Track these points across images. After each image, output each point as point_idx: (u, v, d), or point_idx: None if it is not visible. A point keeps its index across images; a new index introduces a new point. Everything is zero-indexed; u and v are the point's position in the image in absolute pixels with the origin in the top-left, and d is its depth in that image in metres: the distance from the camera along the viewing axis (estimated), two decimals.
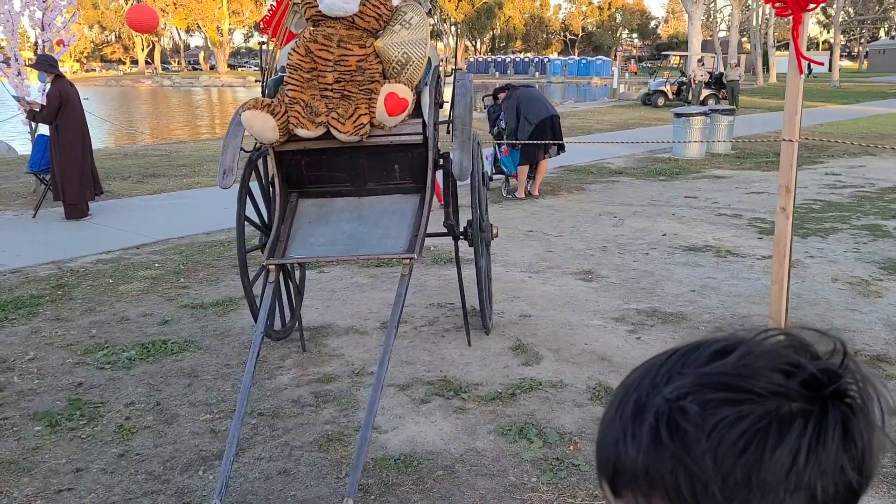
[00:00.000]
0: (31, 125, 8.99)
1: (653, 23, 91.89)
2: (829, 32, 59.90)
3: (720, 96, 22.74)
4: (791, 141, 3.86)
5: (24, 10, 9.17)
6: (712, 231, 7.12)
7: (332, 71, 3.56)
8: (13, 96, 8.84)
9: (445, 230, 4.21)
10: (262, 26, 5.46)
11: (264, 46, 4.22)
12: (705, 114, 12.39)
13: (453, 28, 67.38)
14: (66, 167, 7.70)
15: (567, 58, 70.36)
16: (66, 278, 5.78)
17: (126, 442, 3.34)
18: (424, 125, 3.73)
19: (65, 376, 4.02)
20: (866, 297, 5.17)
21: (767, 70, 40.18)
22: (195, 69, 77.83)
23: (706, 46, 38.38)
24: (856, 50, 74.68)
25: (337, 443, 3.30)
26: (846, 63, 67.22)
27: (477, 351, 4.29)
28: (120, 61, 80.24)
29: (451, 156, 3.76)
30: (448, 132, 4.00)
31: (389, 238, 3.66)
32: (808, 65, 3.96)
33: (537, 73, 62.80)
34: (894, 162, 11.74)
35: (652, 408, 0.54)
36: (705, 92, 22.77)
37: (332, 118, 3.53)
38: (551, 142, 8.60)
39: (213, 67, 71.11)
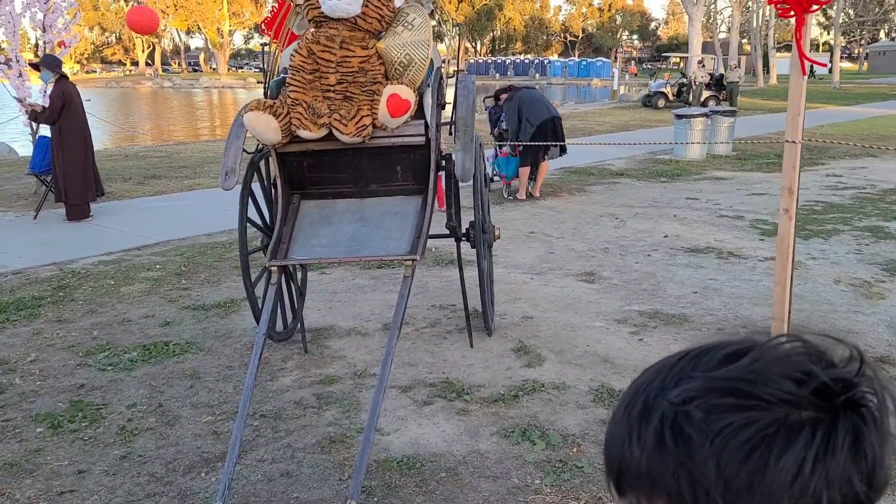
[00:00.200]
0: (32, 127, 8.99)
1: (653, 24, 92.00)
2: (829, 34, 59.91)
3: (720, 98, 22.74)
4: (794, 142, 3.86)
5: (25, 11, 9.17)
6: (714, 232, 7.12)
7: (335, 72, 3.55)
8: (15, 97, 8.84)
9: (447, 231, 4.21)
10: (263, 28, 5.45)
11: (266, 48, 4.22)
12: (706, 115, 12.38)
13: (455, 29, 67.40)
14: (69, 168, 7.71)
15: (567, 59, 70.42)
16: (67, 280, 5.78)
17: (128, 444, 3.33)
18: (427, 126, 3.73)
19: (66, 378, 4.02)
20: (869, 298, 5.16)
21: (768, 71, 40.20)
22: (195, 71, 77.88)
23: (706, 48, 38.43)
24: (856, 51, 74.72)
25: (339, 445, 3.29)
26: (846, 65, 67.26)
27: (479, 353, 4.28)
28: (120, 63, 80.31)
29: (454, 157, 3.76)
30: (450, 133, 4.00)
31: (392, 239, 3.66)
32: (811, 66, 3.95)
33: (537, 75, 62.83)
34: (895, 163, 11.73)
35: (658, 410, 0.54)
36: (706, 93, 22.78)
37: (335, 119, 3.52)
38: (552, 143, 8.60)
39: (214, 69, 71.14)
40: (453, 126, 3.93)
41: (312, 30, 3.68)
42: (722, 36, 43.50)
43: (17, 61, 9.09)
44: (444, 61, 4.27)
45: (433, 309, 5.05)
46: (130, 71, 74.59)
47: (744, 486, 0.51)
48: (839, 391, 0.52)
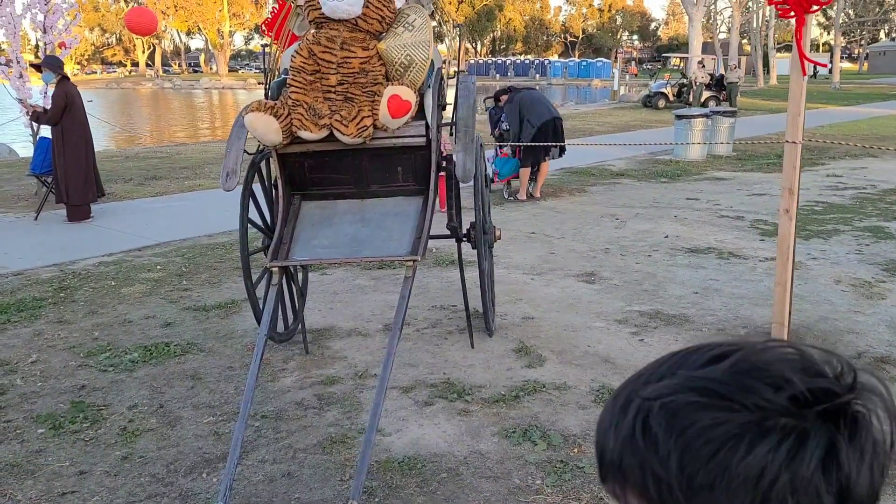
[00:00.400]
0: (32, 128, 9.00)
1: (653, 25, 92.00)
2: (829, 34, 59.92)
3: (721, 98, 22.75)
4: (794, 143, 3.86)
5: (25, 12, 9.18)
6: (714, 233, 7.12)
7: (336, 73, 3.56)
8: (16, 99, 8.85)
9: (448, 232, 4.21)
10: (264, 29, 5.45)
11: (267, 49, 4.22)
12: (706, 115, 12.39)
13: (455, 30, 67.45)
14: (70, 169, 7.72)
15: (567, 60, 70.43)
16: (68, 281, 5.79)
17: (129, 444, 3.33)
18: (427, 127, 3.73)
19: (68, 379, 4.02)
20: (869, 298, 5.16)
21: (768, 72, 40.21)
22: (196, 71, 77.91)
23: (706, 48, 38.42)
24: (856, 52, 74.71)
25: (341, 445, 3.30)
26: (846, 65, 67.27)
27: (480, 353, 4.28)
28: (121, 64, 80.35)
29: (455, 158, 3.76)
30: (451, 134, 4.00)
31: (392, 240, 3.66)
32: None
33: (538, 76, 62.84)
34: (895, 163, 11.74)
35: (634, 404, 0.56)
36: (706, 94, 22.78)
37: (336, 120, 3.53)
38: (553, 144, 8.60)
39: (215, 70, 71.16)
40: (454, 127, 3.94)
41: (313, 31, 3.68)
42: (722, 36, 43.51)
43: (18, 62, 9.10)
44: (444, 62, 4.28)
45: (434, 309, 5.05)
46: (130, 72, 74.58)
47: (705, 484, 0.51)
48: (818, 401, 0.52)
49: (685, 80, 24.11)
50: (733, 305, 5.03)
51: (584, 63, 66.54)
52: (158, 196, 9.54)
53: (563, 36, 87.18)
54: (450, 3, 68.36)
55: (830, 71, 39.18)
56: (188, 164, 12.48)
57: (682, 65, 28.42)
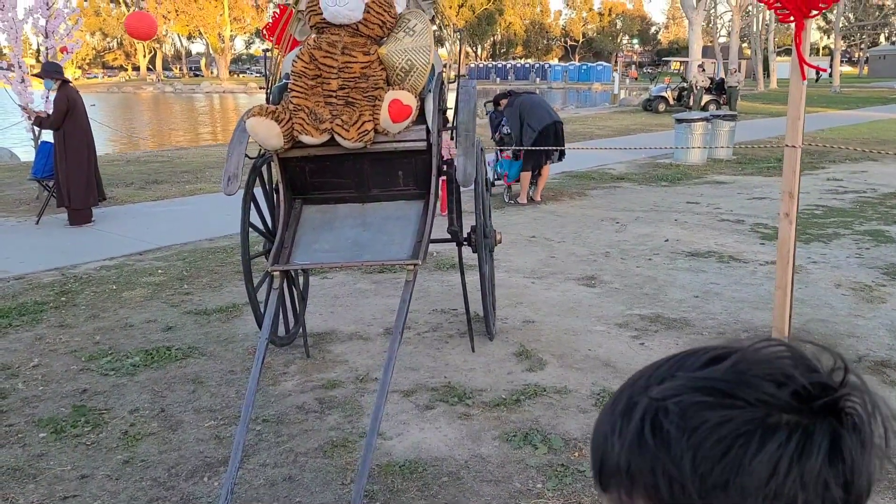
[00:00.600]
0: (34, 132, 9.03)
1: (653, 28, 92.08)
2: (829, 38, 59.98)
3: (721, 102, 22.77)
4: (794, 146, 3.87)
5: (27, 17, 9.20)
6: (715, 237, 7.13)
7: (337, 78, 3.57)
8: (19, 106, 8.89)
9: (449, 236, 4.22)
10: (265, 33, 5.46)
11: (268, 54, 4.24)
12: (707, 119, 12.41)
13: (456, 34, 67.62)
14: (72, 173, 7.73)
15: (568, 63, 70.56)
16: (69, 285, 5.79)
17: (131, 448, 3.34)
18: (428, 131, 3.74)
19: (69, 383, 4.03)
20: (870, 302, 5.17)
21: (768, 75, 40.25)
22: (197, 75, 78.01)
23: (707, 52, 38.46)
24: (856, 55, 74.78)
25: (342, 449, 3.30)
26: (847, 68, 67.34)
27: (481, 357, 4.29)
28: (122, 68, 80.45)
29: (455, 162, 3.77)
30: (452, 138, 4.01)
31: (393, 244, 3.66)
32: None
33: (538, 79, 62.92)
34: (895, 167, 11.75)
35: (640, 406, 0.56)
36: (706, 97, 22.81)
37: (337, 125, 3.54)
38: (553, 148, 8.62)
39: (215, 74, 71.28)
40: (454, 131, 3.95)
41: (314, 36, 3.70)
42: (722, 40, 43.57)
43: (20, 67, 9.13)
44: (445, 66, 4.29)
45: (435, 313, 5.06)
46: (129, 77, 74.67)
47: (719, 483, 0.51)
48: (818, 395, 0.53)
49: (685, 84, 24.14)
50: (734, 309, 5.04)
51: (584, 67, 66.63)
52: (160, 200, 9.55)
53: (563, 40, 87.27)
54: (450, 8, 68.46)
55: (830, 74, 39.21)
56: (189, 168, 12.50)
57: (682, 69, 28.45)
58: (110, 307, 5.27)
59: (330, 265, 4.05)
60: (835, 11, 40.38)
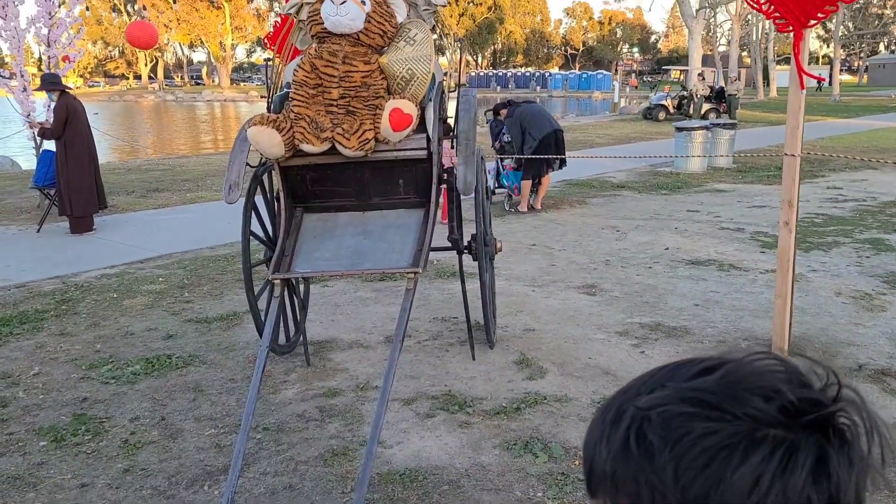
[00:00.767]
0: (35, 140, 9.06)
1: (653, 37, 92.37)
2: (828, 47, 60.16)
3: (721, 110, 22.83)
4: (793, 156, 3.88)
5: (30, 26, 9.24)
6: (715, 245, 7.14)
7: (338, 87, 3.58)
8: (24, 120, 8.96)
9: (449, 244, 4.23)
10: (266, 42, 5.49)
11: (270, 63, 4.26)
12: (706, 128, 12.43)
13: (456, 43, 67.77)
14: (73, 181, 7.76)
15: (568, 72, 70.76)
16: (70, 293, 5.80)
17: (131, 457, 3.34)
18: (429, 140, 3.76)
19: (70, 391, 4.03)
20: (870, 310, 5.17)
21: (768, 84, 40.35)
22: (198, 84, 78.23)
23: (706, 61, 38.57)
24: (856, 64, 74.97)
25: (342, 457, 3.30)
26: (846, 77, 67.48)
27: (481, 365, 4.29)
28: (123, 76, 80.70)
29: (456, 170, 3.78)
30: (452, 147, 4.02)
31: (394, 252, 3.67)
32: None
33: (538, 88, 63.13)
34: (895, 175, 11.77)
35: (627, 415, 0.56)
36: (706, 106, 22.86)
37: (338, 133, 3.55)
38: (555, 156, 8.64)
39: (217, 83, 71.47)
40: (455, 139, 3.96)
41: (315, 45, 3.72)
42: (722, 49, 43.68)
43: (22, 75, 9.16)
44: (445, 74, 4.31)
45: (435, 321, 5.06)
46: (130, 86, 74.89)
47: (700, 494, 0.51)
48: (807, 411, 0.52)
49: (685, 93, 24.20)
50: (734, 317, 5.04)
51: (584, 75, 66.85)
52: (161, 208, 9.57)
53: (563, 48, 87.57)
54: (451, 17, 68.72)
55: (830, 83, 39.30)
56: (190, 176, 12.52)
57: (682, 77, 28.53)
58: (111, 315, 5.28)
59: (330, 273, 4.06)
60: (834, 20, 40.51)
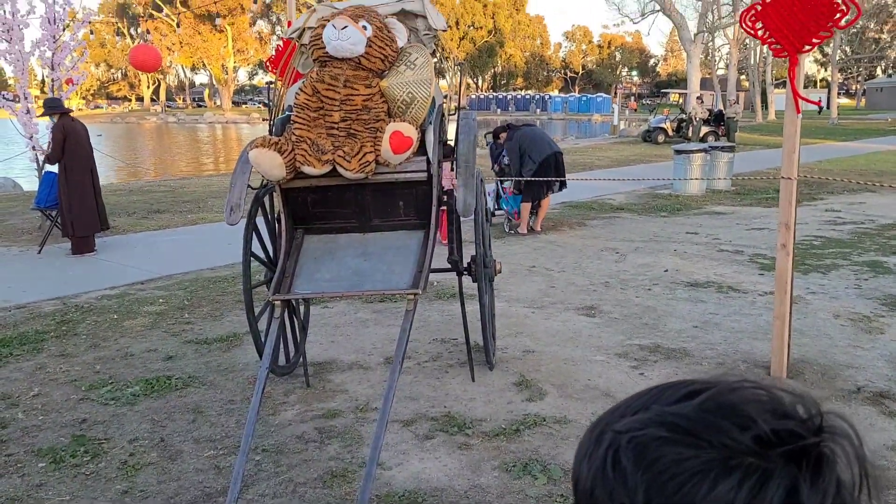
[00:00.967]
0: (38, 162, 9.13)
1: (652, 61, 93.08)
2: (826, 70, 60.61)
3: (720, 133, 22.95)
4: (790, 179, 3.92)
5: (34, 49, 9.34)
6: (714, 267, 7.15)
7: (339, 110, 3.63)
8: (28, 142, 9.05)
9: (449, 266, 4.25)
10: (268, 65, 5.55)
11: (272, 86, 4.31)
12: (705, 151, 12.51)
13: (456, 67, 68.27)
14: (75, 202, 7.80)
15: (568, 95, 71.24)
16: (70, 314, 5.81)
17: (130, 478, 3.33)
18: (429, 162, 3.79)
19: (69, 412, 4.03)
20: (868, 333, 5.17)
21: (766, 107, 40.60)
22: (200, 106, 78.73)
23: (705, 84, 38.84)
24: (853, 87, 75.49)
25: (341, 479, 3.29)
26: (844, 100, 67.90)
27: (481, 386, 4.29)
28: (126, 98, 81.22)
29: (455, 192, 3.81)
30: (452, 169, 4.06)
31: (394, 274, 3.69)
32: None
33: (538, 110, 63.51)
34: (893, 198, 11.81)
35: (607, 436, 0.57)
36: (705, 129, 23.00)
37: (339, 156, 3.59)
38: (554, 178, 8.69)
39: (219, 105, 71.90)
40: (455, 162, 3.99)
41: (317, 69, 3.77)
42: (720, 72, 44.02)
43: (26, 98, 9.24)
44: (445, 97, 4.36)
45: (435, 343, 5.07)
46: (133, 108, 75.34)
47: None
48: (782, 442, 0.52)
49: (684, 116, 24.36)
50: (733, 339, 5.05)
51: (584, 98, 67.28)
52: (162, 229, 9.61)
53: (563, 71, 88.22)
54: (451, 40, 69.29)
55: (828, 107, 39.55)
56: (191, 197, 12.57)
57: (681, 100, 28.72)
58: (111, 336, 5.29)
59: (331, 294, 4.07)
60: (831, 45, 40.88)
